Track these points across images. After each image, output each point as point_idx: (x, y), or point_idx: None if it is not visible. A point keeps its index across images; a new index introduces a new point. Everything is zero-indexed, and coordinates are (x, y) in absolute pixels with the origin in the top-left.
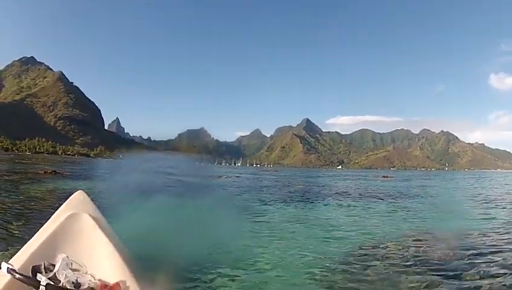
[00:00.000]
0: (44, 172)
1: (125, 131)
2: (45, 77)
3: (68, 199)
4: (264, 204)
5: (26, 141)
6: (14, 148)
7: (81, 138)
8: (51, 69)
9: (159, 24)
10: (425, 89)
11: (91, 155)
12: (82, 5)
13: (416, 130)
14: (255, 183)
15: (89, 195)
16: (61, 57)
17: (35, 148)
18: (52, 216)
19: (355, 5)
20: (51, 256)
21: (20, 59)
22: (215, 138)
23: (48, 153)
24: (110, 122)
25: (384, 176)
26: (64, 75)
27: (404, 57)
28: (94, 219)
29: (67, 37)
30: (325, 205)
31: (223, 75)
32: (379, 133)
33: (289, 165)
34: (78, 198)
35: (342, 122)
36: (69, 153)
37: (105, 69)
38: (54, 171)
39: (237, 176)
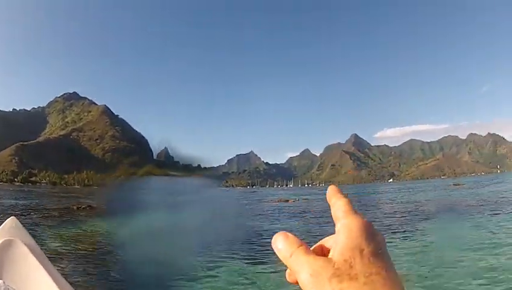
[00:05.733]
0: (77, 207)
1: (175, 159)
2: (89, 111)
3: (0, 226)
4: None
5: (74, 174)
6: (62, 182)
7: (131, 169)
8: (95, 103)
9: (201, 44)
10: (470, 92)
11: None
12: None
13: (463, 135)
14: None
15: (21, 222)
16: (105, 91)
17: (84, 181)
18: None
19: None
20: None
21: (63, 95)
22: (265, 161)
23: (97, 186)
24: (158, 152)
25: (455, 184)
26: (108, 108)
27: (448, 61)
28: (27, 245)
29: (108, 70)
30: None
31: (269, 100)
32: (427, 142)
33: (341, 182)
34: (10, 225)
35: (389, 135)
36: None
37: (150, 96)
38: (89, 205)
39: (306, 199)
